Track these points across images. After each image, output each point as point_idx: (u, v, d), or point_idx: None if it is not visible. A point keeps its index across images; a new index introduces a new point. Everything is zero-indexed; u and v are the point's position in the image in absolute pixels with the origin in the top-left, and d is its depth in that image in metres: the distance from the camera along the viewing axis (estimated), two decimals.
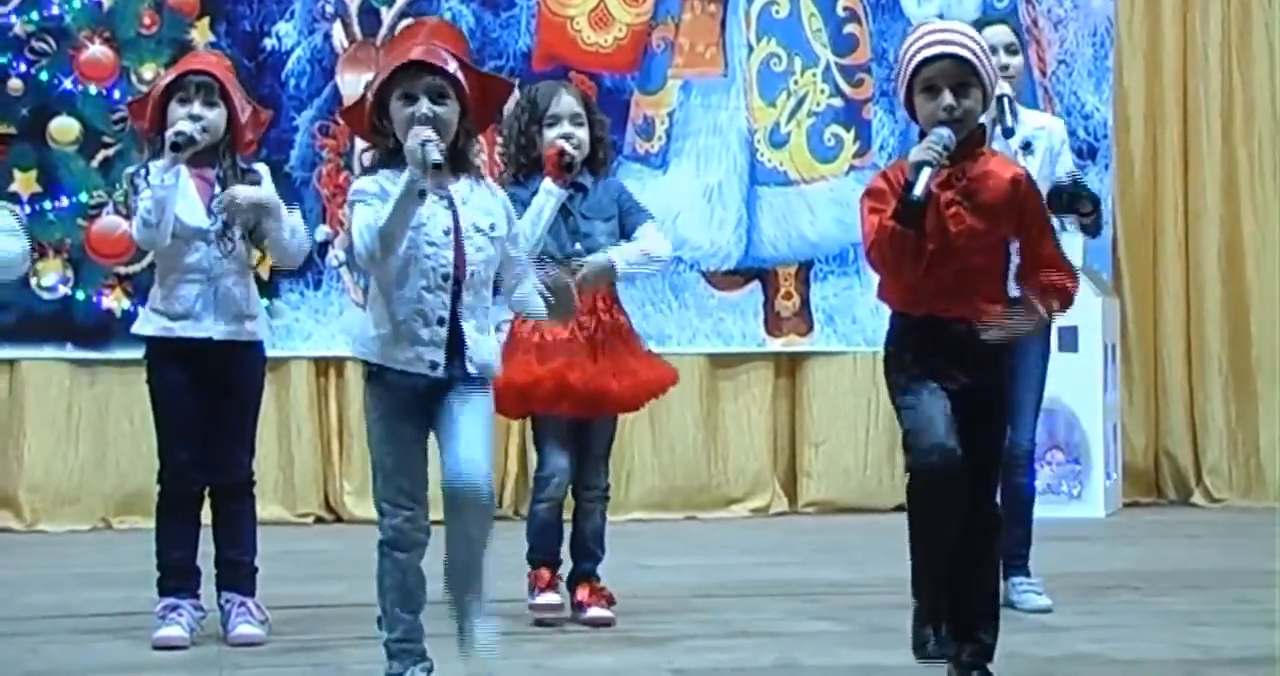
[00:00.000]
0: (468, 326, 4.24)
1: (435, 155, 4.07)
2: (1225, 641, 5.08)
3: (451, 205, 4.25)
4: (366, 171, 4.34)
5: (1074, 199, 5.50)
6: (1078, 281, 4.31)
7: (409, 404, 4.24)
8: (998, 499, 4.36)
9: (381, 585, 4.28)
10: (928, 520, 4.19)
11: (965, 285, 4.19)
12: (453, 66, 4.24)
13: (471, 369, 4.25)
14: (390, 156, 4.22)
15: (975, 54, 4.19)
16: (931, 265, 4.15)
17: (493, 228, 4.29)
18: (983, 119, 5.43)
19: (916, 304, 4.23)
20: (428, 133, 4.12)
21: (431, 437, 4.31)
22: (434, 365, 4.21)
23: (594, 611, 5.50)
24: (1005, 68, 5.56)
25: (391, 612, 4.29)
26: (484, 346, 4.30)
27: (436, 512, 4.25)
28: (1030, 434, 5.72)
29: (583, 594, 5.55)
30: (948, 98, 4.16)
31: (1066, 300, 4.25)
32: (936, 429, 4.13)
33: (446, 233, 4.23)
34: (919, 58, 4.18)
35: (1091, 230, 5.71)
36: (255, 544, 5.34)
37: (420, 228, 4.20)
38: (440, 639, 4.34)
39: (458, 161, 4.29)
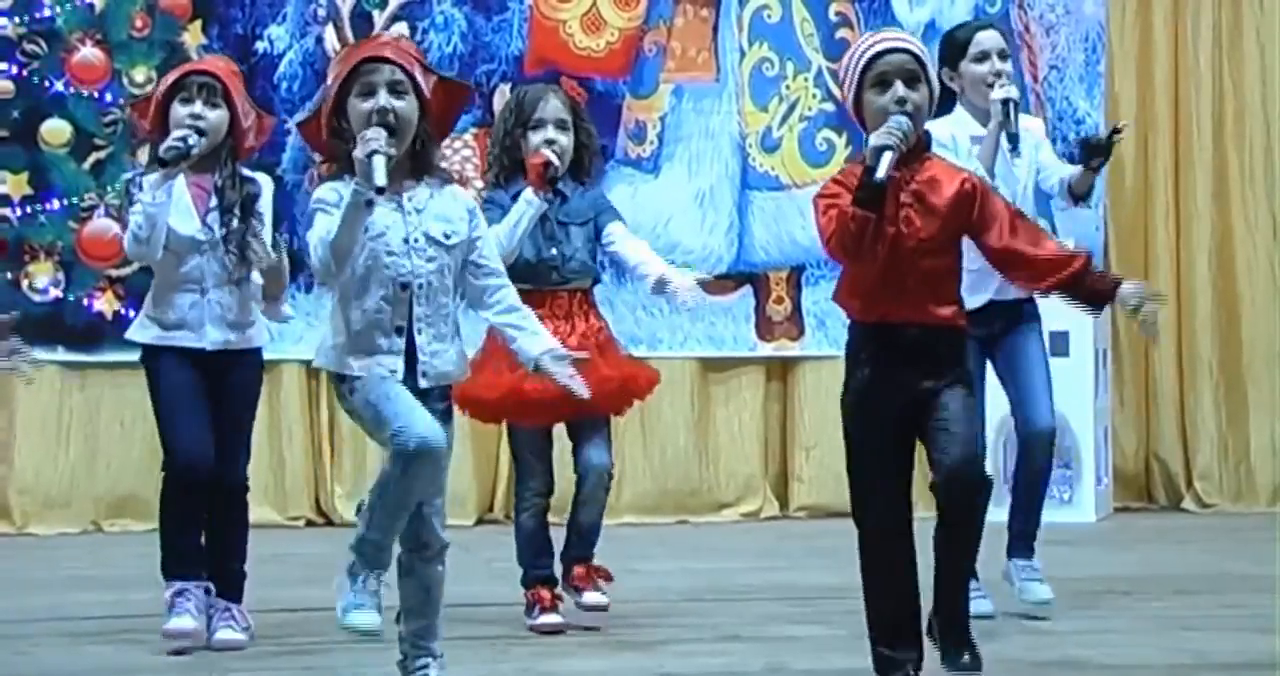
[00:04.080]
0: (422, 338, 4.20)
1: (380, 178, 4.00)
2: (1215, 646, 5.09)
3: (404, 212, 4.20)
4: (326, 179, 4.27)
5: (1097, 150, 5.63)
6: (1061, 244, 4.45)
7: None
8: (985, 463, 4.39)
9: (384, 492, 4.15)
10: (878, 574, 4.36)
11: (916, 289, 4.25)
12: (412, 64, 4.19)
13: (424, 382, 4.20)
14: (350, 162, 4.13)
15: (922, 52, 4.29)
16: (884, 269, 4.19)
17: (447, 236, 4.24)
18: (990, 125, 5.48)
19: (868, 310, 4.28)
20: (376, 143, 4.04)
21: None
22: (392, 373, 4.18)
23: (590, 596, 5.49)
24: (999, 74, 5.56)
25: (381, 519, 4.19)
26: (443, 357, 4.24)
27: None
28: (1048, 414, 5.64)
29: (579, 572, 5.54)
30: (900, 88, 4.21)
31: (1069, 261, 4.29)
32: (884, 494, 4.30)
33: (406, 241, 4.19)
34: (870, 52, 4.25)
35: (1084, 190, 5.72)
36: (245, 550, 5.32)
37: (380, 237, 4.16)
38: (386, 644, 4.37)
39: (418, 164, 4.24)
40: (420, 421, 4.10)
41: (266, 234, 5.26)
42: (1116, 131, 5.68)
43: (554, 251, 5.49)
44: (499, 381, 5.31)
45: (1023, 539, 5.67)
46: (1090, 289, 4.28)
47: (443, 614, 4.32)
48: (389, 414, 4.13)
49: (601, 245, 5.63)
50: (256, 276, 5.21)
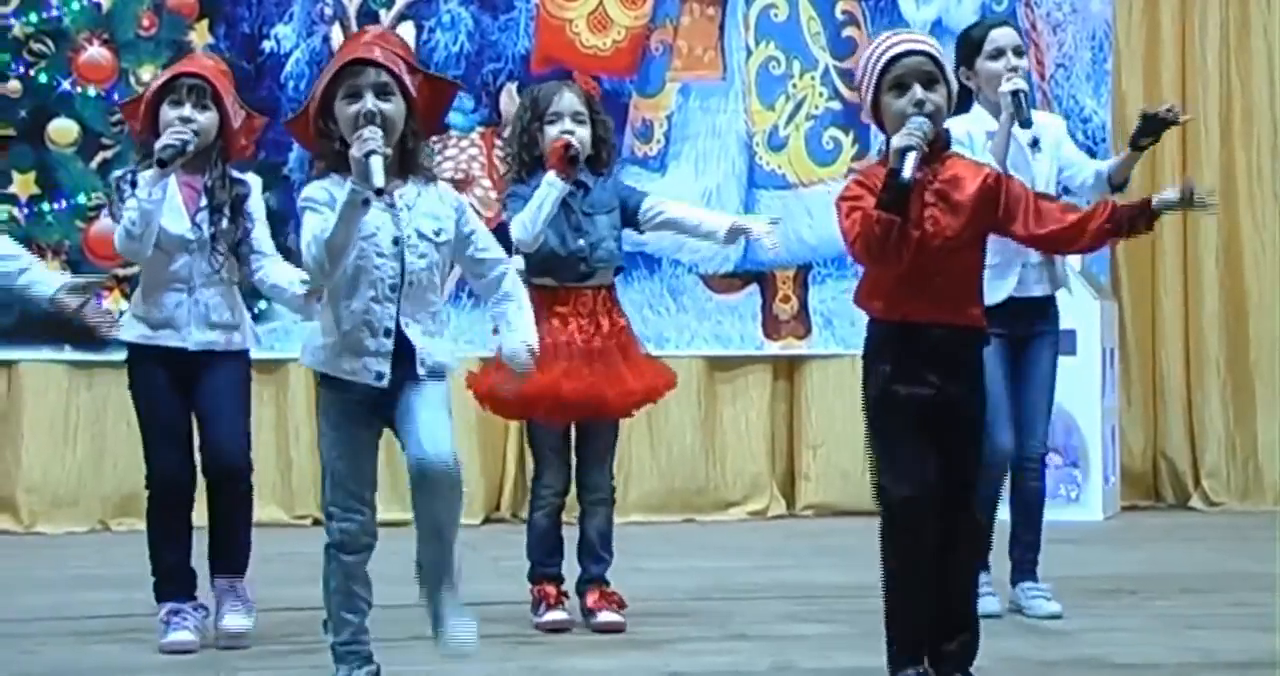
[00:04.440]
0: (412, 332, 4.22)
1: (378, 179, 4.01)
2: (1222, 644, 5.09)
3: (395, 211, 4.21)
4: (314, 177, 4.29)
5: (1160, 123, 5.59)
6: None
7: (361, 408, 4.22)
8: (979, 503, 4.39)
9: (327, 588, 4.30)
10: (904, 557, 4.22)
11: (941, 288, 4.24)
12: (398, 65, 4.20)
13: (422, 371, 4.22)
14: (338, 160, 4.16)
15: (939, 53, 4.28)
16: (909, 270, 4.19)
17: (438, 233, 4.26)
18: (1001, 117, 5.48)
19: (891, 309, 4.27)
20: (372, 143, 4.05)
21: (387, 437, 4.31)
22: (379, 375, 4.20)
23: (605, 616, 5.46)
24: (1015, 69, 5.57)
25: (337, 615, 4.30)
26: (436, 348, 4.26)
27: (383, 514, 4.28)
28: (1043, 439, 5.71)
29: (592, 598, 5.51)
30: (919, 91, 4.20)
31: (1092, 214, 4.31)
32: (912, 464, 4.20)
33: (395, 242, 4.20)
34: (888, 55, 4.23)
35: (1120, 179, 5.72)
36: (249, 529, 5.32)
37: (370, 237, 4.18)
38: (386, 643, 4.36)
39: (406, 163, 4.25)
40: (353, 518, 4.22)
41: (263, 231, 5.30)
42: (1170, 110, 5.67)
43: (580, 242, 5.49)
44: (536, 381, 5.32)
45: (1025, 564, 5.68)
46: (1132, 220, 4.28)
47: (460, 558, 4.31)
48: (331, 483, 4.25)
49: (645, 222, 5.63)
50: (294, 276, 5.18)
